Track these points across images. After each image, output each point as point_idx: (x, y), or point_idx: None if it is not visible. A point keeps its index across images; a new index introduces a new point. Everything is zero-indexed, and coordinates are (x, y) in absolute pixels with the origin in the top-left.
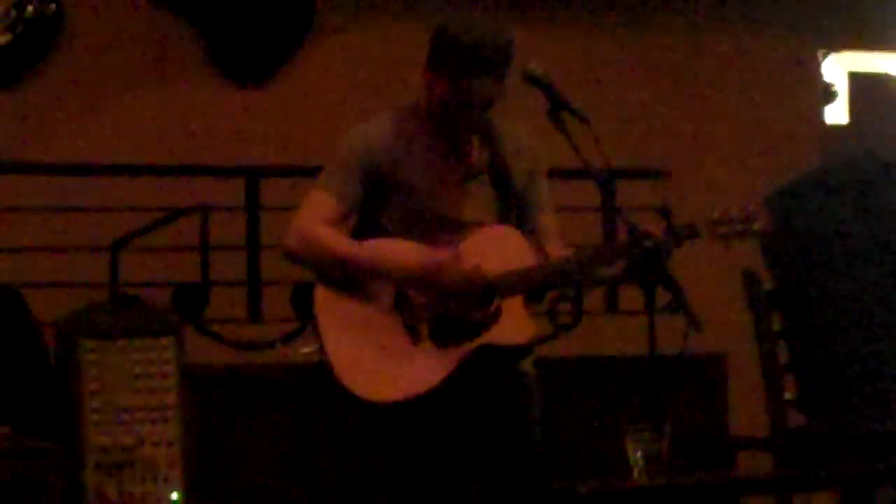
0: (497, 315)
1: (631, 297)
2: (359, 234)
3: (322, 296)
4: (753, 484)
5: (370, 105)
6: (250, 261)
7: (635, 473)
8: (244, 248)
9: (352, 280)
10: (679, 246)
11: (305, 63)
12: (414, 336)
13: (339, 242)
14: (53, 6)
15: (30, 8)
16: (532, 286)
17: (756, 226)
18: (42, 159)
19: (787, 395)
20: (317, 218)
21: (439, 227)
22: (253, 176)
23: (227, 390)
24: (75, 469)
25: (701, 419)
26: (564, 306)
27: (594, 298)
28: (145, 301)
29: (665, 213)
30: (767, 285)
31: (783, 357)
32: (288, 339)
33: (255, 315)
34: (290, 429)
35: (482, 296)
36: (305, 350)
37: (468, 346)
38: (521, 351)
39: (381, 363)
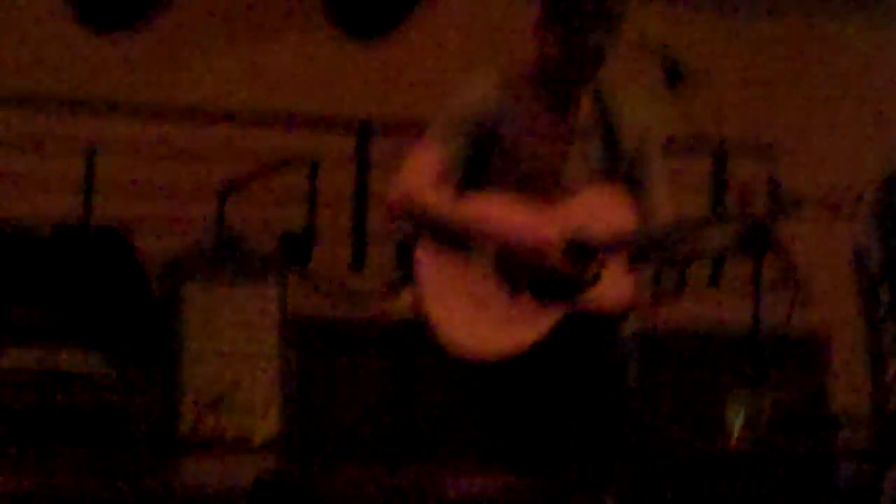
0: (598, 277)
1: (736, 271)
2: (464, 189)
3: (423, 252)
4: (851, 454)
5: (485, 65)
6: (356, 214)
7: (734, 439)
8: (351, 200)
9: (453, 239)
10: (787, 218)
11: (422, 21)
12: (514, 295)
13: (442, 205)
14: None
15: None
16: (634, 248)
17: (864, 199)
18: (158, 101)
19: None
20: (421, 176)
21: (544, 186)
22: (363, 129)
23: (328, 340)
24: (173, 401)
25: (803, 396)
26: (670, 275)
27: (699, 270)
28: (251, 247)
29: (773, 183)
30: (876, 264)
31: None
32: (389, 290)
33: (358, 266)
34: (387, 382)
35: (584, 257)
36: (400, 303)
37: (568, 305)
38: (619, 314)
39: (480, 320)
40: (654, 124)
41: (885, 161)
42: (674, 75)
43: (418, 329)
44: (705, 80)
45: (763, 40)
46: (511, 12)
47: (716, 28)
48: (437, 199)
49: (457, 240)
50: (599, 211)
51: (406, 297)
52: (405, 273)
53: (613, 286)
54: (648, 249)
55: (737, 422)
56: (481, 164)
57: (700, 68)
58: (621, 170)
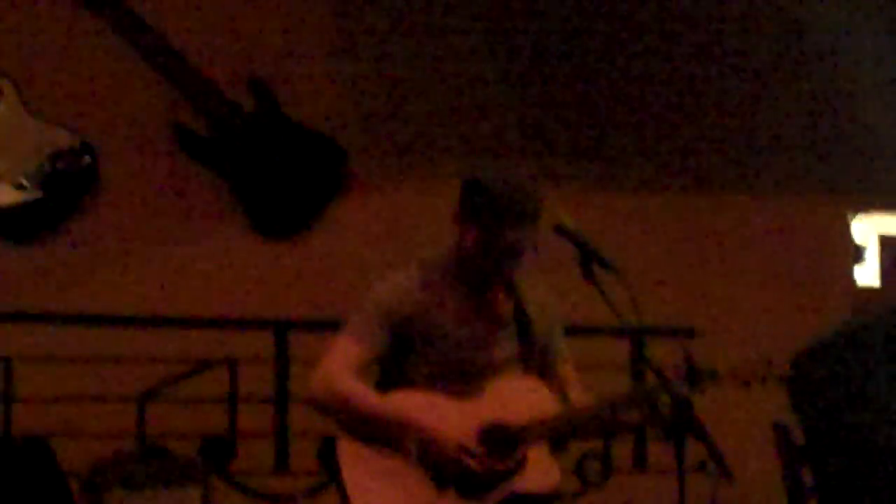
0: (522, 463)
1: (660, 454)
2: (385, 383)
3: (346, 447)
4: None
5: (402, 261)
6: (278, 413)
7: None
8: (272, 400)
9: (375, 432)
10: (701, 390)
11: (336, 218)
12: (440, 486)
13: (363, 396)
14: (87, 159)
15: (62, 162)
16: (557, 433)
17: (776, 369)
18: (72, 309)
19: None
20: (342, 366)
21: (467, 376)
22: (281, 328)
23: None
24: None
25: None
26: (593, 463)
27: (623, 456)
28: (173, 452)
29: (687, 356)
30: (798, 440)
31: None
32: (314, 491)
33: (282, 467)
34: None
35: (507, 446)
36: None
37: (496, 496)
38: (549, 498)
39: None
40: (558, 308)
41: (799, 339)
42: (588, 258)
43: None
44: (620, 265)
45: (678, 219)
46: (423, 206)
47: (632, 210)
48: (357, 388)
49: (377, 433)
50: (520, 399)
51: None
52: (329, 472)
53: (540, 469)
54: (571, 432)
55: None
56: (404, 354)
57: (614, 253)
58: (535, 357)
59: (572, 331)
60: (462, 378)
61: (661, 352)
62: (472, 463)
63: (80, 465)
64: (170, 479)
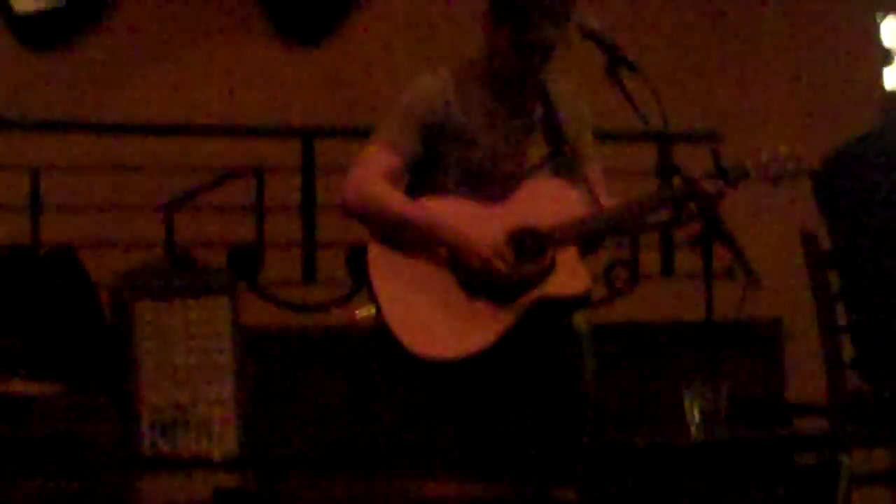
0: (552, 267)
1: (687, 261)
2: (415, 189)
3: (376, 253)
4: (810, 441)
5: (427, 64)
6: (305, 222)
7: (693, 430)
8: (299, 209)
9: (407, 237)
10: (732, 186)
11: (361, 22)
12: (470, 292)
13: (395, 200)
14: None
15: None
16: (585, 235)
17: (805, 164)
18: (97, 118)
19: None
20: (374, 172)
21: (497, 182)
22: (308, 136)
23: (282, 351)
24: (130, 425)
25: (758, 383)
26: (621, 271)
27: (650, 263)
28: (200, 261)
29: (714, 153)
30: (825, 247)
31: (841, 320)
32: (342, 302)
33: (309, 277)
34: (343, 391)
35: (536, 249)
36: (360, 314)
37: (525, 300)
38: (579, 301)
39: (438, 320)
40: (586, 110)
41: (828, 142)
42: (614, 61)
43: (375, 336)
44: (645, 66)
45: (708, 21)
46: (450, 12)
47: (661, 11)
48: (389, 193)
49: (408, 238)
50: (549, 202)
51: (359, 307)
52: (357, 281)
53: (569, 273)
54: (599, 234)
55: (694, 413)
56: (434, 160)
57: (640, 56)
58: (565, 160)
59: (599, 136)
60: (492, 183)
61: (688, 156)
62: (501, 266)
63: (108, 276)
64: (198, 289)
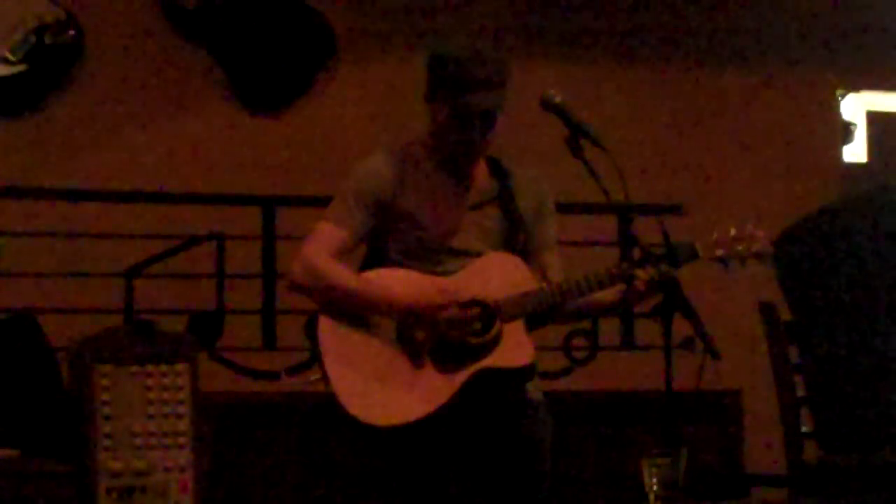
0: (498, 339)
1: (647, 331)
2: (368, 264)
3: (326, 325)
4: None
5: (387, 136)
6: (265, 289)
7: (651, 500)
8: (259, 276)
9: (353, 310)
10: (678, 267)
11: (323, 92)
12: (416, 362)
13: (341, 276)
14: (73, 33)
15: (49, 35)
16: (532, 309)
17: (756, 247)
18: (59, 185)
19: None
20: (322, 249)
21: (444, 256)
22: (268, 204)
23: (241, 418)
24: (87, 491)
25: (717, 454)
26: (580, 341)
27: (610, 333)
28: (160, 328)
29: (664, 233)
30: (786, 317)
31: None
32: (298, 368)
33: (269, 343)
34: (301, 456)
35: (483, 321)
36: (313, 377)
37: (470, 369)
38: (523, 373)
39: (385, 388)
40: (549, 195)
41: (788, 215)
42: (577, 134)
43: (331, 402)
44: (607, 140)
45: (669, 95)
46: (411, 83)
47: (624, 85)
48: (336, 272)
49: (356, 311)
50: (498, 275)
51: (313, 371)
52: (314, 347)
53: (514, 345)
54: (546, 308)
55: (653, 483)
56: (386, 238)
57: (601, 129)
58: (519, 237)
59: (560, 208)
60: (439, 257)
61: (650, 228)
62: (450, 314)
63: (68, 342)
64: (158, 356)
